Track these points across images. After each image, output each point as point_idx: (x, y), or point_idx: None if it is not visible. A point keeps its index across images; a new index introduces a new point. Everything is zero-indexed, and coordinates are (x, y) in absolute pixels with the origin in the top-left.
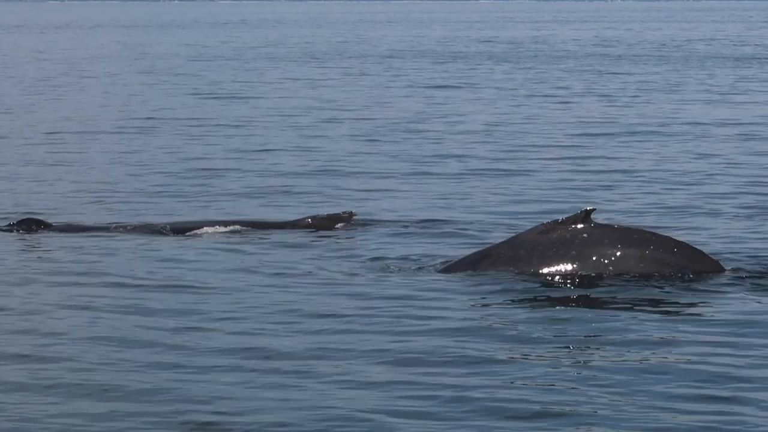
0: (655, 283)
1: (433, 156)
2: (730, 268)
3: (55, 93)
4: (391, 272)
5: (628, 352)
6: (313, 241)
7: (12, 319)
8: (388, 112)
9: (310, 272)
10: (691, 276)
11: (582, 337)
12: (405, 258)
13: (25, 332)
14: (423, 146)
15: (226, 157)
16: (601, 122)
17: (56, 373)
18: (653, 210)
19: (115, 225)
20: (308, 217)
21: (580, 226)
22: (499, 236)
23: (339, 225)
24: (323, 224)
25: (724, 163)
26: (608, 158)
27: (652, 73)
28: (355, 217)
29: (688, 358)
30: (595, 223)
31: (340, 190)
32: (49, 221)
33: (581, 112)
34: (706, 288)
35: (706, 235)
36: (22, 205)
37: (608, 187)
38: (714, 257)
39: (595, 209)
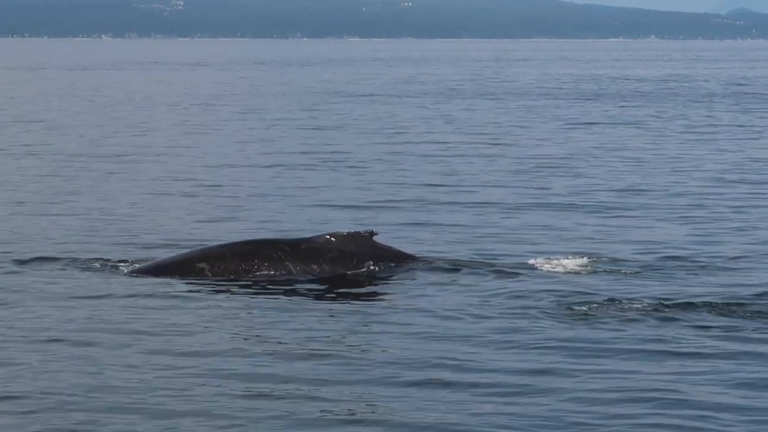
0: None
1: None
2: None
3: (235, 128)
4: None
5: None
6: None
7: None
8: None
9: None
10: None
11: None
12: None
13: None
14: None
15: (436, 192)
16: None
17: None
18: None
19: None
20: (327, 234)
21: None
22: None
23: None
24: (342, 242)
25: None
26: None
27: None
28: (375, 236)
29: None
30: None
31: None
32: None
33: None
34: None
35: None
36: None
37: None
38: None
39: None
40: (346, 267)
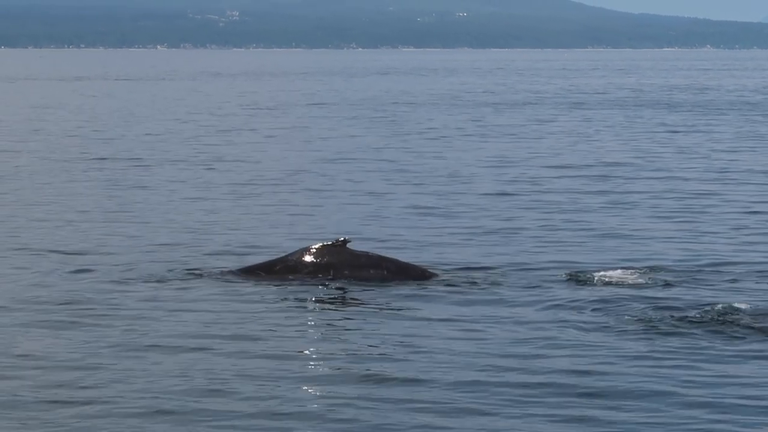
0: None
1: None
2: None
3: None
4: None
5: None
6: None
7: None
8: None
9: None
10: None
11: None
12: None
13: None
14: None
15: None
16: None
17: None
18: None
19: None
20: (300, 249)
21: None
22: None
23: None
24: (316, 254)
25: None
26: None
27: None
28: (349, 243)
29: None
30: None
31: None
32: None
33: None
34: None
35: None
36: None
37: None
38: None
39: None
40: (323, 278)
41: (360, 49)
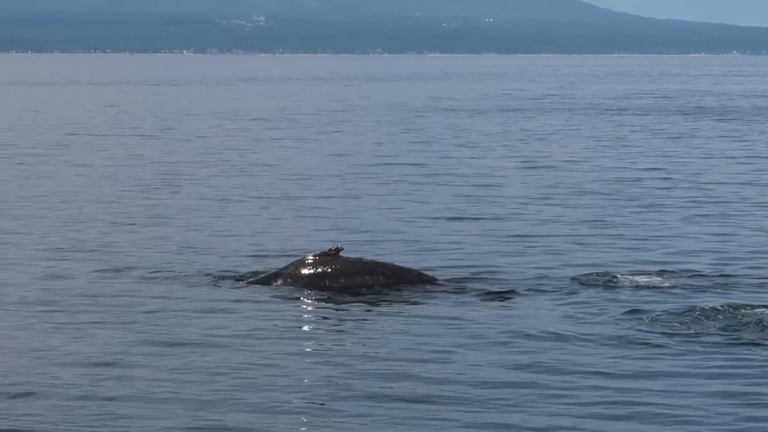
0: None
1: None
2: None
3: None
4: None
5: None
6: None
7: None
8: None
9: None
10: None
11: None
12: None
13: None
14: None
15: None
16: None
17: None
18: None
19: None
20: (293, 262)
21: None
22: None
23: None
24: (310, 265)
25: None
26: None
27: None
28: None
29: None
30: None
31: None
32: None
33: None
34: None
35: None
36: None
37: None
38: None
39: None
40: (320, 288)
41: (386, 54)
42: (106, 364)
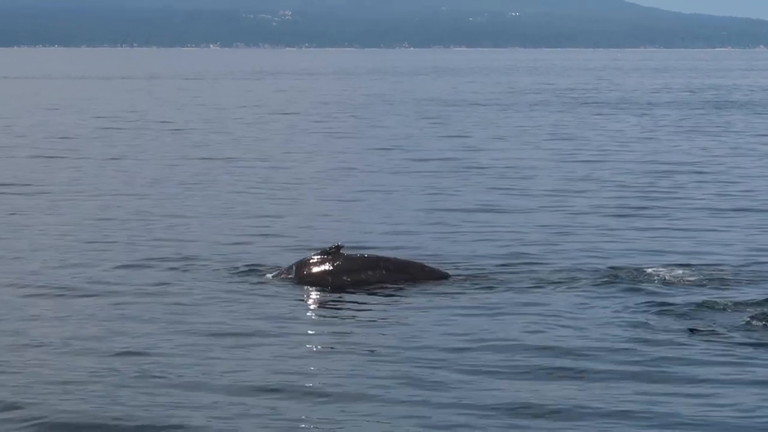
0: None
1: None
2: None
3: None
4: None
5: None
6: None
7: None
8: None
9: None
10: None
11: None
12: None
13: None
14: None
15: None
16: None
17: None
18: None
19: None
20: (294, 264)
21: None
22: None
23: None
24: (313, 265)
25: None
26: None
27: None
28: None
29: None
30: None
31: None
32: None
33: None
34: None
35: None
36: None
37: None
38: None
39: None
40: (323, 287)
41: (412, 48)
42: (138, 354)
